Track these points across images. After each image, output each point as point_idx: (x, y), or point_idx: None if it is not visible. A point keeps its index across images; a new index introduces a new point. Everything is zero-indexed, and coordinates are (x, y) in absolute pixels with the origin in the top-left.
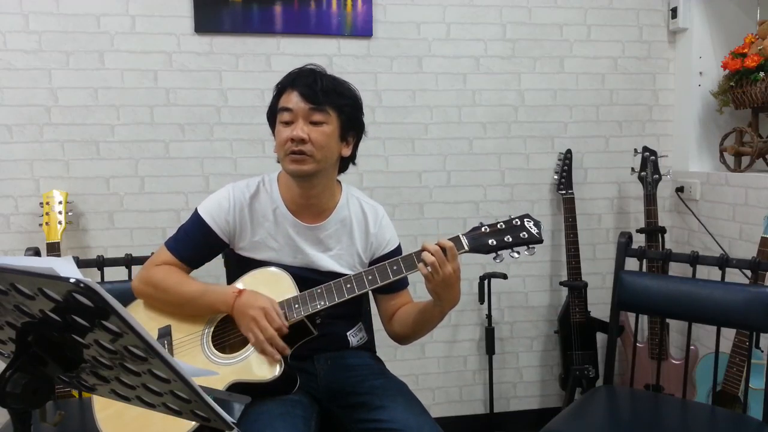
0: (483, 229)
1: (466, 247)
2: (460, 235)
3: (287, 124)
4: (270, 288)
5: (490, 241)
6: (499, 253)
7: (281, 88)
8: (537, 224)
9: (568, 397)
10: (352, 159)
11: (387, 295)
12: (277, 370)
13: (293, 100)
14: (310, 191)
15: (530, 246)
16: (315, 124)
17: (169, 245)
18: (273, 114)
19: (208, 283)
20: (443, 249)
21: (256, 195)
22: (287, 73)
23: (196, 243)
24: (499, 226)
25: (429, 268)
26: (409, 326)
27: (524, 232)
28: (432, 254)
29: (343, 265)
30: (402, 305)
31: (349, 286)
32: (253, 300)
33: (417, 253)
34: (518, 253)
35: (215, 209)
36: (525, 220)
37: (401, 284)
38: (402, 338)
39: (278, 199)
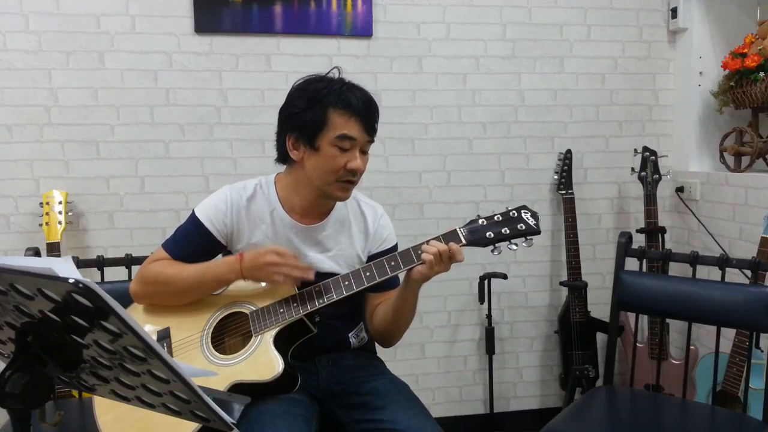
0: (480, 222)
1: (464, 240)
2: (458, 229)
3: (343, 150)
4: (268, 286)
5: (487, 234)
6: (497, 245)
7: (331, 104)
8: (534, 215)
9: (568, 397)
10: None
11: (377, 293)
12: (278, 369)
13: (356, 129)
14: (312, 200)
15: (528, 237)
16: (363, 152)
17: (166, 246)
18: (317, 127)
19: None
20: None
21: (253, 197)
22: (332, 81)
23: (193, 245)
24: (496, 218)
25: (431, 256)
26: (389, 315)
27: (521, 224)
28: (432, 255)
29: (342, 266)
30: None
31: (347, 282)
32: (256, 253)
33: (414, 248)
34: (516, 245)
35: (212, 211)
36: (522, 211)
37: (393, 283)
38: (382, 333)
39: (275, 201)
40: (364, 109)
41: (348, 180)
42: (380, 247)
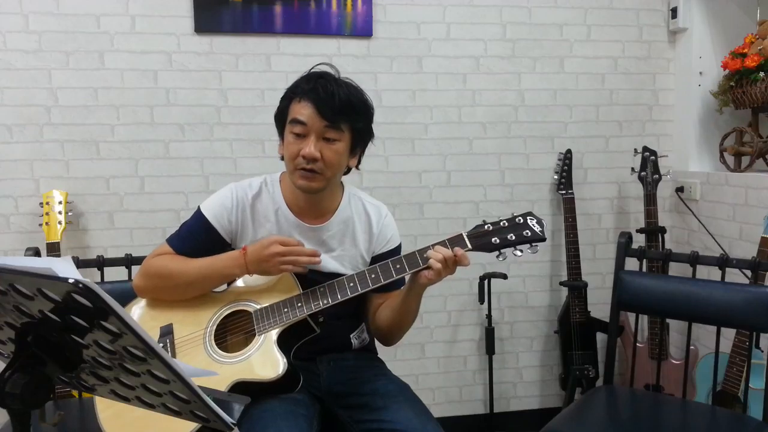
0: (486, 227)
1: (470, 245)
2: (463, 234)
3: (298, 136)
4: (272, 285)
5: (493, 240)
6: (502, 251)
7: (293, 94)
8: (540, 222)
9: (568, 397)
10: (356, 165)
11: (380, 293)
12: (281, 369)
13: (307, 113)
14: (314, 198)
15: (533, 244)
16: (327, 140)
17: (171, 242)
18: (283, 119)
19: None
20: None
21: (258, 195)
22: (302, 76)
23: (198, 241)
24: (502, 224)
25: (439, 264)
26: (393, 316)
27: (527, 230)
28: (438, 262)
29: (347, 267)
30: None
31: (352, 284)
32: (259, 245)
33: (420, 251)
34: (521, 251)
35: (218, 208)
36: (528, 218)
37: (396, 284)
38: (384, 332)
39: (280, 199)
40: (321, 94)
41: (304, 168)
42: (384, 248)
